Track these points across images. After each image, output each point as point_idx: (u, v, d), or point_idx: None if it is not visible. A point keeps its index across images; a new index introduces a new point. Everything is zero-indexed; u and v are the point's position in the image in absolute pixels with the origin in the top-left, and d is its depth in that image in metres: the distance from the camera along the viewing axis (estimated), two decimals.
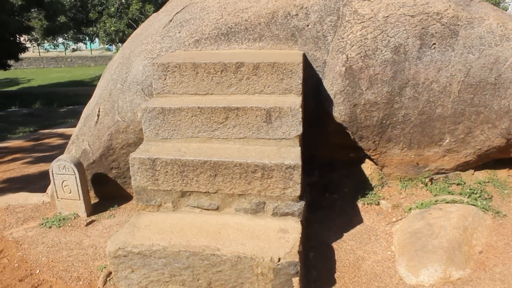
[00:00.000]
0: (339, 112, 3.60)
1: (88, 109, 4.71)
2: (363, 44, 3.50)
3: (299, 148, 3.02)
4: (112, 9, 23.74)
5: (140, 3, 22.22)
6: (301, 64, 3.17)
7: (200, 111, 3.04)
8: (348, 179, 4.08)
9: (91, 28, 24.13)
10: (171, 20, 4.08)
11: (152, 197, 2.98)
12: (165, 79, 3.29)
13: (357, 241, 3.39)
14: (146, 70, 3.85)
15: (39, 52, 34.57)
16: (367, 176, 4.10)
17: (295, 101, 3.10)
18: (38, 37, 23.05)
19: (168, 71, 3.27)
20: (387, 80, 3.53)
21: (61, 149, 7.05)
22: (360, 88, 3.54)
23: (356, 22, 3.54)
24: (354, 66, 3.52)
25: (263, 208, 2.90)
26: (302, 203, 2.90)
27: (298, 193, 2.84)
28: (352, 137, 3.77)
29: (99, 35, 23.32)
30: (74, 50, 31.07)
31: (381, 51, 3.49)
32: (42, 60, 33.04)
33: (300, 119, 2.99)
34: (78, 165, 3.99)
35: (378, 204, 3.85)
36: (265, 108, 2.99)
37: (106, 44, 26.95)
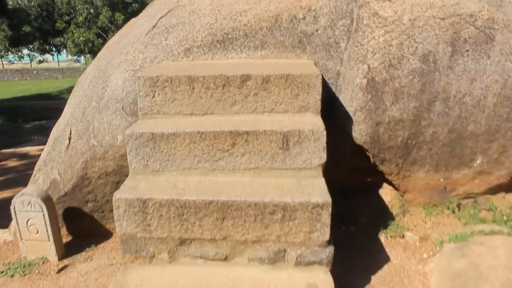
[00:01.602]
0: (360, 132, 3.06)
1: (58, 130, 4.01)
2: (387, 52, 2.98)
3: (323, 179, 2.46)
4: (80, 19, 22.81)
5: (110, 11, 21.41)
6: (320, 77, 2.62)
7: (201, 136, 2.44)
8: (366, 208, 3.54)
9: (58, 39, 23.08)
10: (154, 26, 3.47)
11: (143, 246, 2.35)
12: (153, 96, 2.68)
13: (388, 285, 2.84)
14: (127, 85, 3.22)
15: (3, 64, 33.04)
16: (387, 203, 3.57)
17: (315, 121, 2.54)
18: (1, 48, 21.84)
19: (157, 86, 2.66)
20: (415, 93, 3.02)
21: (25, 172, 6.28)
22: (384, 104, 3.01)
23: (377, 26, 3.02)
24: (377, 77, 2.99)
25: (283, 257, 2.32)
26: (331, 248, 2.33)
27: (327, 237, 2.28)
28: (372, 160, 3.23)
29: (67, 45, 22.29)
30: (40, 62, 29.77)
31: (408, 59, 2.98)
32: (6, 72, 31.52)
33: (325, 145, 2.43)
34: (46, 199, 3.30)
35: (403, 236, 3.32)
36: (282, 132, 2.42)
37: (75, 55, 25.91)
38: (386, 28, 2.99)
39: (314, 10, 3.30)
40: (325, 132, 2.43)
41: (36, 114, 17.13)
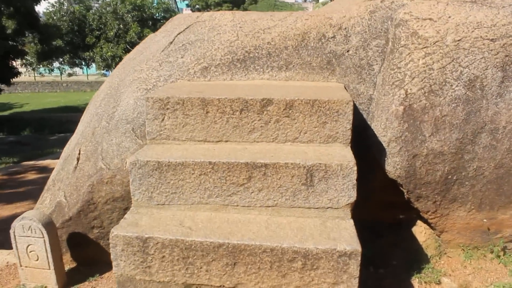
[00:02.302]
0: (393, 165, 2.71)
1: (69, 148, 3.80)
2: (427, 76, 2.64)
3: (352, 221, 2.12)
4: (111, 34, 23.18)
5: (139, 27, 21.67)
6: (351, 103, 2.31)
7: (212, 167, 2.15)
8: (397, 248, 3.16)
9: (87, 53, 23.50)
10: (171, 42, 3.23)
11: None
12: (163, 119, 2.41)
13: None
14: (139, 105, 2.98)
15: (35, 76, 33.87)
16: (421, 243, 3.19)
17: (345, 154, 2.22)
18: (33, 61, 22.32)
19: (168, 109, 2.39)
20: (458, 123, 2.66)
21: (42, 186, 6.13)
22: (423, 134, 2.67)
23: (416, 48, 2.69)
24: (415, 105, 2.65)
25: None
26: None
27: None
28: (406, 196, 2.87)
29: (95, 60, 22.66)
30: (70, 75, 30.38)
31: (451, 85, 2.64)
32: (37, 84, 32.26)
33: (355, 182, 2.10)
34: (48, 225, 3.05)
35: (439, 282, 2.92)
36: (305, 165, 2.10)
37: (102, 70, 26.33)
38: (426, 50, 2.66)
39: (345, 28, 3.00)
40: (355, 168, 2.10)
41: (63, 126, 17.28)
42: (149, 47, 3.51)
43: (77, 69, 30.97)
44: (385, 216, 3.20)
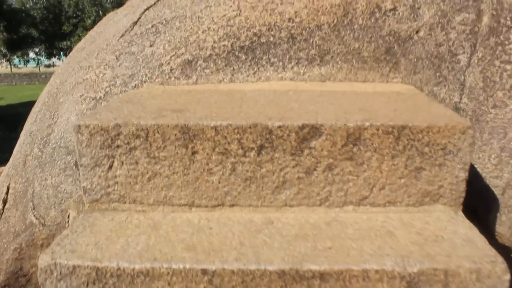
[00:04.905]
0: (510, 225, 1.61)
1: (2, 176, 2.64)
2: None
3: None
4: (89, 21, 21.68)
5: None
6: (470, 133, 1.19)
7: (210, 282, 1.02)
8: None
9: (65, 42, 21.93)
10: (136, 22, 2.06)
11: None
12: (110, 167, 1.26)
13: None
14: None
15: (11, 68, 32.09)
16: None
17: (471, 237, 1.11)
18: (5, 51, 20.71)
19: (119, 147, 1.24)
20: None
21: None
22: None
23: None
24: None
25: None
26: None
27: None
28: None
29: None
30: (48, 66, 28.70)
31: None
32: (14, 76, 30.50)
33: None
34: None
35: None
36: (404, 275, 0.98)
37: None
38: None
39: None
40: (508, 277, 0.99)
41: None
42: (105, 31, 2.33)
43: (55, 60, 29.23)
44: None
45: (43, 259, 1.06)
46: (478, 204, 1.66)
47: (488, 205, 1.63)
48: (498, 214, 1.61)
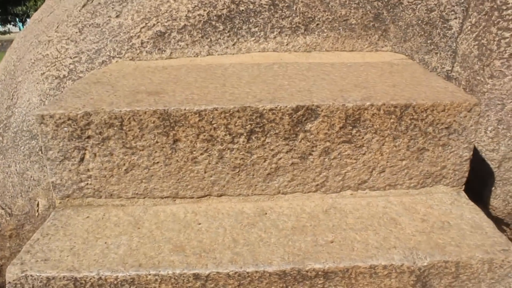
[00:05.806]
0: (504, 197, 1.57)
1: None
2: None
3: None
4: None
5: None
6: (477, 110, 1.10)
7: (204, 285, 0.92)
8: None
9: (20, 8, 20.69)
10: None
11: None
12: (81, 160, 1.12)
13: None
14: None
15: None
16: None
17: (478, 221, 1.04)
18: None
19: (90, 137, 1.10)
20: None
21: None
22: None
23: None
24: None
25: None
26: None
27: None
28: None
29: (30, 15, 19.97)
30: (4, 32, 27.16)
31: None
32: None
33: None
34: None
35: None
36: (414, 269, 0.91)
37: None
38: None
39: None
40: None
41: None
42: (64, 0, 2.11)
43: (11, 27, 27.65)
44: None
45: (11, 272, 0.93)
46: (473, 177, 1.61)
47: (483, 178, 1.58)
48: (493, 188, 1.57)
